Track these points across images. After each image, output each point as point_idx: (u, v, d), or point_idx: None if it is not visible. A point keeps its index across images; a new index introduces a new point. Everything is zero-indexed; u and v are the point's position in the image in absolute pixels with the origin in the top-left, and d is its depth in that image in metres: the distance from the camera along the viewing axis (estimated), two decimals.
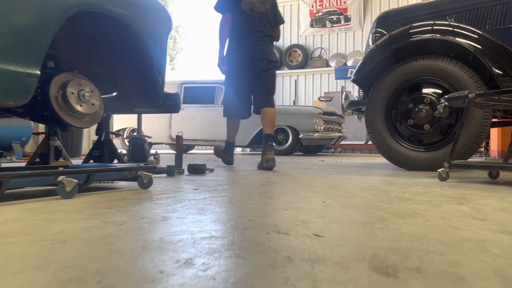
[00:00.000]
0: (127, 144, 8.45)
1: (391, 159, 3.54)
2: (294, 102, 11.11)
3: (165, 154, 7.83)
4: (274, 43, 4.02)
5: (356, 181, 2.43)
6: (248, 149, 11.25)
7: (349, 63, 10.64)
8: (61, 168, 1.52)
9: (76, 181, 1.54)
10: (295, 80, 11.21)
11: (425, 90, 3.48)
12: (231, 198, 1.60)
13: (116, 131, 9.00)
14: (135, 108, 2.99)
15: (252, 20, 3.69)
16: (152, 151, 4.69)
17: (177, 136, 2.98)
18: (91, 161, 3.04)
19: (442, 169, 2.45)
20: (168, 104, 2.95)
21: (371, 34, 3.98)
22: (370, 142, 9.78)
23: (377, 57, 3.66)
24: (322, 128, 7.44)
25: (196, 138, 8.18)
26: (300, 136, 7.31)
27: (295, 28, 11.32)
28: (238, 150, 11.85)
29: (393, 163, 3.54)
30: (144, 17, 2.67)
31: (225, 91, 3.92)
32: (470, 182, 2.39)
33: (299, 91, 11.22)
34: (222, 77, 4.05)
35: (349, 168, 3.74)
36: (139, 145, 3.72)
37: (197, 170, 2.91)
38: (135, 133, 9.03)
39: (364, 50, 4.52)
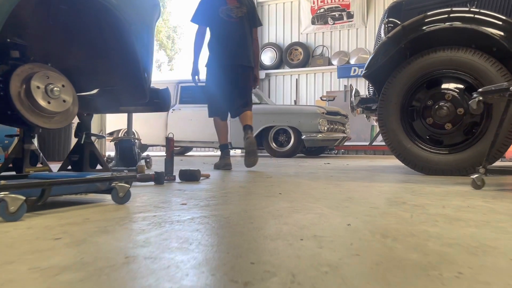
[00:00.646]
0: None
1: (408, 163, 3.17)
2: (295, 102, 10.75)
3: (162, 157, 7.47)
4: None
5: (375, 189, 2.07)
6: None
7: (352, 61, 10.28)
8: (2, 182, 1.15)
9: (24, 198, 1.17)
10: (296, 79, 10.85)
11: (445, 85, 3.12)
12: (227, 219, 1.23)
13: (109, 133, 8.65)
14: (120, 106, 2.63)
15: (230, 25, 3.78)
16: (148, 153, 4.32)
17: (167, 138, 2.62)
18: (69, 167, 2.68)
19: (476, 175, 2.08)
20: (156, 102, 2.59)
21: (383, 25, 3.61)
22: (374, 143, 9.42)
23: (390, 50, 3.30)
24: (325, 128, 7.07)
25: (193, 139, 7.81)
26: (303, 137, 6.95)
27: (296, 25, 10.97)
28: (237, 152, 11.50)
29: (410, 167, 3.18)
30: (128, 1, 2.31)
31: (208, 94, 3.99)
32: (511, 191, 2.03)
33: (300, 90, 10.86)
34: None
35: (360, 172, 3.38)
36: (127, 148, 3.36)
37: (190, 177, 2.54)
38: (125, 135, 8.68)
39: (374, 43, 4.14)
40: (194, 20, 3.83)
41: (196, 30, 3.83)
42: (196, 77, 3.88)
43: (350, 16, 10.34)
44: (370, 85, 3.90)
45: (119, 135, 8.50)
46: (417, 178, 2.82)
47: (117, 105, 2.63)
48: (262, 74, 11.04)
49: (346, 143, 8.68)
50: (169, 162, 2.61)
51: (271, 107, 7.50)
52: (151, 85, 2.49)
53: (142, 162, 3.66)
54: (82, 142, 2.62)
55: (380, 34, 3.75)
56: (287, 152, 7.14)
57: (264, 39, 11.24)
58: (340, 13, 10.41)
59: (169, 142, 2.61)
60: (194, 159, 6.62)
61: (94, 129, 6.96)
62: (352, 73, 10.15)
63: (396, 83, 3.21)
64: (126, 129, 8.56)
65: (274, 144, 7.25)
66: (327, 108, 7.34)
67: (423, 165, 3.10)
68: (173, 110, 7.90)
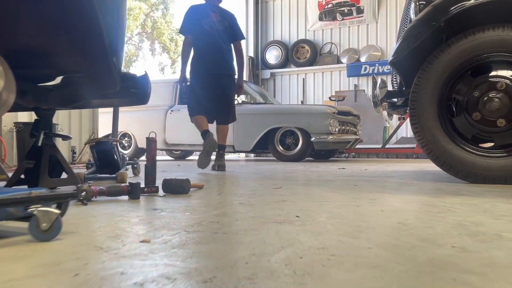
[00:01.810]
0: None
1: (448, 168, 2.57)
2: (302, 102, 10.17)
3: (160, 162, 6.90)
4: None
5: (429, 208, 1.48)
6: (252, 155, 10.30)
7: (363, 59, 9.69)
8: None
9: None
10: (303, 78, 10.27)
11: (495, 72, 2.53)
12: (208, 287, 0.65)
13: (105, 136, 8.07)
14: (85, 98, 2.06)
15: (212, 36, 4.02)
16: (136, 158, 3.67)
17: (147, 138, 2.04)
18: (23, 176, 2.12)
19: None
20: (133, 92, 2.02)
21: (412, 3, 3.02)
22: (387, 146, 8.81)
23: (423, 32, 2.70)
24: (336, 129, 6.47)
25: (193, 143, 7.24)
26: (312, 139, 6.35)
27: (302, 22, 10.40)
28: (241, 155, 10.92)
29: (450, 173, 2.58)
30: None
31: (189, 98, 4.22)
32: None
33: (307, 90, 10.27)
34: None
35: (387, 180, 2.78)
36: (105, 152, 2.79)
37: (176, 188, 1.96)
38: (126, 138, 8.13)
39: (399, 27, 3.53)
40: (180, 30, 4.17)
41: (183, 40, 4.11)
42: (184, 84, 4.16)
43: (360, 11, 9.76)
44: (395, 76, 3.31)
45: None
46: (465, 188, 2.23)
47: (85, 97, 2.06)
48: (267, 73, 10.49)
49: (357, 146, 8.07)
50: (150, 169, 2.04)
51: (277, 107, 6.92)
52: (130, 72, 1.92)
53: (124, 169, 3.09)
54: (39, 144, 2.06)
55: (408, 15, 3.16)
56: (295, 155, 6.55)
57: (269, 36, 10.68)
58: (349, 8, 9.84)
59: (150, 144, 2.03)
60: (193, 163, 6.05)
61: (84, 132, 6.44)
62: (362, 72, 9.57)
63: (433, 71, 2.62)
64: (122, 132, 8.03)
65: (280, 147, 6.67)
66: (338, 107, 6.75)
67: (467, 171, 2.50)
68: (171, 111, 7.35)
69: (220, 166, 4.03)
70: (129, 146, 7.86)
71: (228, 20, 4.14)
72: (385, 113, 9.28)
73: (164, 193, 1.99)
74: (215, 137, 4.09)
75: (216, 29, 4.04)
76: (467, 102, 2.56)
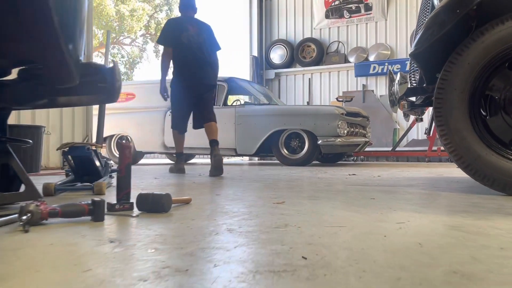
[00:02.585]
0: (116, 155, 7.14)
1: (481, 177, 2.17)
2: (308, 103, 9.77)
3: (157, 165, 6.53)
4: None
5: (488, 245, 1.09)
6: (256, 158, 9.92)
7: (371, 58, 9.28)
8: None
9: None
10: (309, 78, 9.88)
11: None
12: None
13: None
14: (43, 94, 1.69)
15: (191, 49, 4.18)
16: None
17: (118, 143, 1.66)
18: None
19: None
20: (101, 86, 1.64)
21: None
22: (397, 149, 8.38)
23: (449, 19, 2.31)
24: (345, 132, 6.08)
25: (193, 145, 6.86)
26: (319, 142, 5.96)
27: (308, 20, 10.01)
28: (245, 159, 10.54)
29: (484, 184, 2.18)
30: None
31: (173, 108, 4.46)
32: None
33: (313, 91, 9.87)
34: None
35: (409, 192, 2.39)
36: (82, 159, 2.42)
37: (153, 206, 1.59)
38: (123, 141, 7.77)
39: (418, 15, 3.15)
40: (159, 41, 4.33)
41: (162, 51, 4.30)
42: (165, 94, 4.37)
43: (368, 8, 9.36)
44: (414, 71, 2.92)
45: (112, 142, 7.61)
46: (507, 202, 1.83)
47: (43, 93, 1.69)
48: (271, 73, 10.11)
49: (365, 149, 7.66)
50: (123, 181, 1.66)
51: (282, 107, 6.54)
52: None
53: (109, 177, 2.73)
54: None
55: (430, 1, 2.77)
56: (301, 159, 6.16)
57: (274, 35, 10.31)
58: (357, 5, 9.44)
59: (123, 151, 1.66)
60: (192, 168, 5.68)
61: (77, 134, 6.09)
62: (371, 71, 9.16)
63: (463, 63, 2.23)
64: (120, 135, 7.69)
65: (285, 150, 6.28)
66: (347, 108, 6.35)
67: (505, 182, 2.10)
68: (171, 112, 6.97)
69: (216, 156, 4.05)
70: None
71: (206, 33, 4.34)
72: (397, 114, 8.87)
73: (139, 211, 1.62)
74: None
75: (194, 42, 4.22)
76: (505, 100, 2.16)
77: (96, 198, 1.42)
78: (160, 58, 4.33)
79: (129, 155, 1.68)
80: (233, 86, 6.98)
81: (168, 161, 9.34)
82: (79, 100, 1.78)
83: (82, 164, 2.48)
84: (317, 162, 7.56)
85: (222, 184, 2.96)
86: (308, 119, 6.04)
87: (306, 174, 4.20)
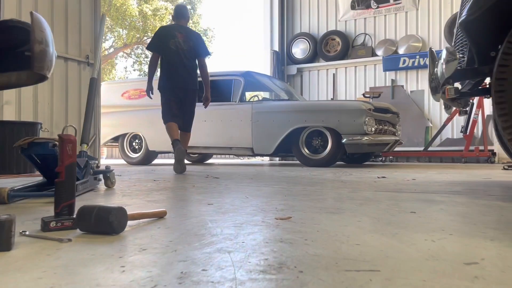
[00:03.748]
0: (129, 155, 6.77)
1: None
2: (332, 100, 9.17)
3: (168, 165, 6.09)
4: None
5: None
6: (277, 159, 9.40)
7: (401, 51, 8.61)
8: None
9: None
10: (333, 74, 9.28)
11: None
12: None
13: (113, 138, 7.40)
14: None
15: (178, 55, 4.50)
16: (108, 164, 2.77)
17: (59, 136, 1.20)
18: None
19: None
20: (28, 55, 1.18)
21: None
22: (431, 148, 7.69)
23: None
24: (373, 129, 5.49)
25: (208, 145, 6.42)
26: (343, 140, 5.40)
27: (333, 12, 9.42)
28: (265, 159, 10.05)
29: None
30: None
31: (162, 108, 4.64)
32: None
33: (338, 86, 9.27)
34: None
35: (460, 202, 1.83)
36: (48, 158, 1.98)
37: (98, 225, 1.11)
38: (137, 140, 7.40)
39: (452, 2, 2.53)
40: (149, 48, 4.71)
41: (151, 56, 4.66)
42: (152, 94, 4.70)
43: None
44: (462, 48, 2.35)
45: (125, 141, 7.25)
46: None
47: None
48: (293, 69, 9.57)
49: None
50: (62, 188, 1.20)
51: (302, 103, 6.00)
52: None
53: (94, 180, 2.30)
54: None
55: None
56: (323, 160, 5.61)
57: (296, 28, 9.76)
58: None
59: (63, 146, 1.19)
60: (205, 169, 5.23)
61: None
62: (400, 65, 8.49)
63: None
64: (133, 133, 7.33)
65: (306, 149, 5.74)
66: (375, 103, 5.75)
67: None
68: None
69: (178, 167, 4.30)
70: (140, 149, 7.14)
71: (193, 40, 4.63)
72: (430, 111, 8.20)
73: (82, 232, 1.15)
74: None
75: (182, 49, 4.54)
76: None
77: (3, 216, 0.96)
78: (148, 62, 4.80)
79: (72, 152, 1.21)
80: (250, 81, 6.49)
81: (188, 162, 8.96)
82: (9, 80, 1.32)
83: (48, 164, 2.05)
84: (342, 162, 6.99)
85: (224, 189, 2.48)
86: (332, 115, 5.48)
87: (328, 176, 3.67)
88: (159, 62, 4.66)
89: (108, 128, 7.20)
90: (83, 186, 2.24)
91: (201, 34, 28.79)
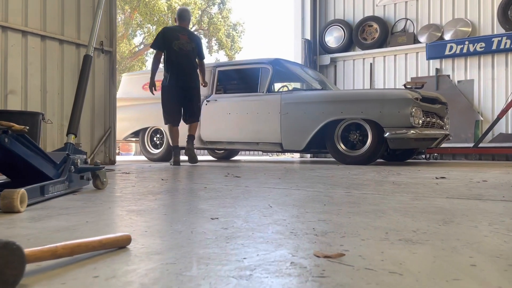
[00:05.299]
0: (150, 150, 6.31)
1: None
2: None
3: (203, 162, 5.52)
4: None
5: None
6: (308, 155, 8.74)
7: (447, 37, 7.76)
8: None
9: None
10: (371, 63, 8.52)
11: None
12: None
13: (133, 132, 6.95)
14: None
15: (180, 56, 4.88)
16: (98, 161, 2.25)
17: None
18: None
19: None
20: None
21: None
22: (481, 145, 6.83)
23: None
24: (420, 122, 4.77)
25: (233, 140, 5.86)
26: (386, 134, 4.71)
27: None
28: (295, 156, 9.43)
29: None
30: None
31: (164, 105, 5.03)
32: None
33: (376, 77, 8.51)
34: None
35: None
36: (4, 151, 1.46)
37: None
38: (158, 135, 6.91)
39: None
40: (152, 46, 4.97)
41: (154, 54, 4.96)
42: (155, 90, 4.96)
43: None
44: None
45: (146, 136, 6.80)
46: None
47: None
48: (326, 59, 8.88)
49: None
50: None
51: (338, 92, 5.33)
52: None
53: (81, 179, 1.77)
54: None
55: None
56: (362, 157, 4.93)
57: (329, 15, 9.05)
58: None
59: None
60: (229, 166, 4.67)
61: (98, 126, 5.31)
62: (447, 52, 7.64)
63: None
64: (154, 127, 6.87)
65: (342, 145, 5.09)
66: (422, 92, 5.02)
67: None
68: (207, 101, 6.03)
69: (190, 154, 5.03)
70: (161, 145, 6.67)
71: (195, 42, 5.03)
72: (480, 103, 7.35)
73: None
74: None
75: (184, 50, 4.88)
76: None
77: None
78: (152, 59, 5.00)
79: None
80: (280, 70, 5.87)
81: (209, 157, 8.45)
82: None
83: (5, 160, 1.52)
84: (381, 160, 6.28)
85: (242, 193, 1.90)
86: (372, 105, 4.80)
87: (372, 176, 3.02)
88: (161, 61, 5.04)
89: (128, 122, 6.78)
90: (57, 187, 1.71)
91: (230, 29, 28.11)
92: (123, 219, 1.20)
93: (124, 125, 6.75)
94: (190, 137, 5.02)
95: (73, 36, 4.80)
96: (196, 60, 5.06)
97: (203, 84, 5.30)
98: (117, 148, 17.14)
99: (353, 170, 3.76)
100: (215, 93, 6.14)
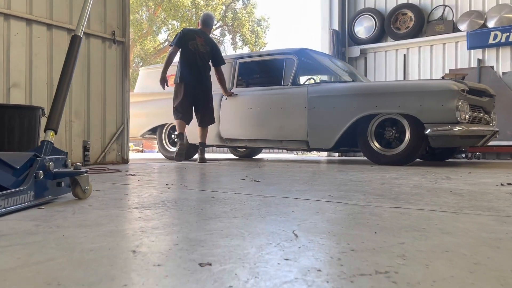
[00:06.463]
0: (168, 148, 5.93)
1: None
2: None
3: (223, 161, 5.09)
4: None
5: None
6: (336, 154, 8.19)
7: (491, 24, 7.05)
8: None
9: None
10: (404, 54, 7.88)
11: None
12: None
13: (150, 129, 6.59)
14: None
15: (195, 56, 5.07)
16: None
17: None
18: None
19: None
20: None
21: None
22: None
23: None
24: (466, 117, 4.18)
25: (254, 137, 5.40)
26: (427, 131, 4.15)
27: None
28: (322, 155, 8.90)
29: None
30: None
31: (176, 102, 5.12)
32: None
33: (410, 69, 7.86)
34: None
35: None
36: None
37: None
38: (175, 133, 6.52)
39: None
40: (172, 43, 5.20)
41: (171, 48, 5.21)
42: (166, 85, 5.12)
43: None
44: None
45: (163, 132, 6.43)
46: None
47: None
48: (356, 50, 8.29)
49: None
50: None
51: (372, 84, 4.79)
52: None
53: (57, 185, 1.34)
54: None
55: None
56: (399, 156, 4.38)
57: (359, 4, 8.45)
58: None
59: None
60: (249, 165, 4.21)
61: (110, 123, 4.95)
62: (490, 41, 6.94)
63: None
64: (171, 124, 6.49)
65: (376, 143, 4.55)
66: (469, 83, 4.41)
67: None
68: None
69: (201, 159, 5.10)
70: None
71: (210, 46, 5.22)
72: None
73: None
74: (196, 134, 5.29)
75: (198, 51, 5.08)
76: None
77: None
78: (168, 53, 5.25)
79: None
80: (306, 61, 5.36)
81: (230, 155, 8.01)
82: None
83: None
84: (419, 160, 5.69)
85: (258, 207, 1.43)
86: (411, 99, 4.24)
87: (418, 181, 2.51)
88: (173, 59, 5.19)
89: (145, 118, 6.42)
90: (12, 200, 1.29)
91: (255, 25, 27.61)
92: (59, 265, 0.76)
93: (141, 121, 6.40)
94: (202, 145, 5.17)
95: None
96: (210, 64, 5.23)
97: (226, 94, 5.46)
98: (141, 146, 17.00)
99: (391, 173, 3.24)
100: (236, 87, 5.70)
